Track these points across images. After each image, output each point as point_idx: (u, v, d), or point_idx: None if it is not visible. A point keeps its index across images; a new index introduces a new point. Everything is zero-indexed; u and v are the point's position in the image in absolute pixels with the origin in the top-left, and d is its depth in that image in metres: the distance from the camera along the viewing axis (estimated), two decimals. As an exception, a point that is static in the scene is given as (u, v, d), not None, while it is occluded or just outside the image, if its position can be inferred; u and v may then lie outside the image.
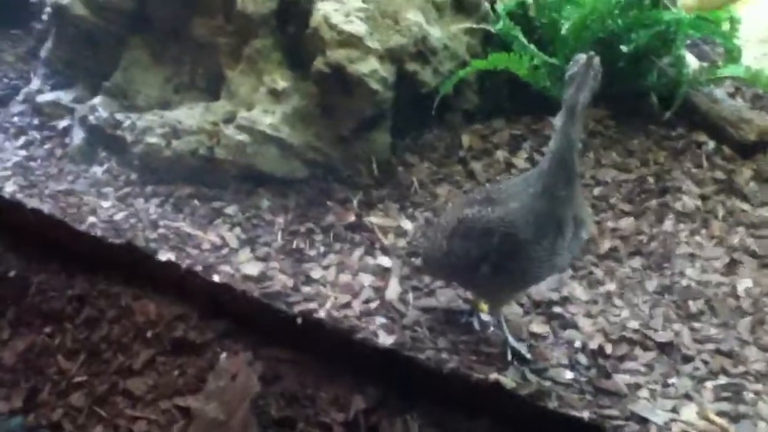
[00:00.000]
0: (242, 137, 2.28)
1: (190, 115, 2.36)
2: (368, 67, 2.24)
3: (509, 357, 1.64)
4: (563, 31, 2.35)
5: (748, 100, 2.61)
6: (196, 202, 2.27)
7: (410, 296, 1.89)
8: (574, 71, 1.48)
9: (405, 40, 2.30)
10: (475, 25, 2.46)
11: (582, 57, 1.50)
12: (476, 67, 2.38)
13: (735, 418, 1.50)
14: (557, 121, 1.51)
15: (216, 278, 1.95)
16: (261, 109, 2.32)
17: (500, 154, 2.41)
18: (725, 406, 1.52)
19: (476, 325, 1.75)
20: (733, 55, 2.40)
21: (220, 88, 2.44)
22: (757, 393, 1.56)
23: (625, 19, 2.40)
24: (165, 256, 2.01)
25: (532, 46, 2.45)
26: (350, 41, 2.24)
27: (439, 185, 2.33)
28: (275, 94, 2.32)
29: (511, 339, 1.66)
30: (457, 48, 2.44)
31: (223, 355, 1.60)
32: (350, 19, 2.27)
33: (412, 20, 2.32)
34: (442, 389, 1.52)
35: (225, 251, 2.09)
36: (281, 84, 2.32)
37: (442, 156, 2.43)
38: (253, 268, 2.00)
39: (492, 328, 1.74)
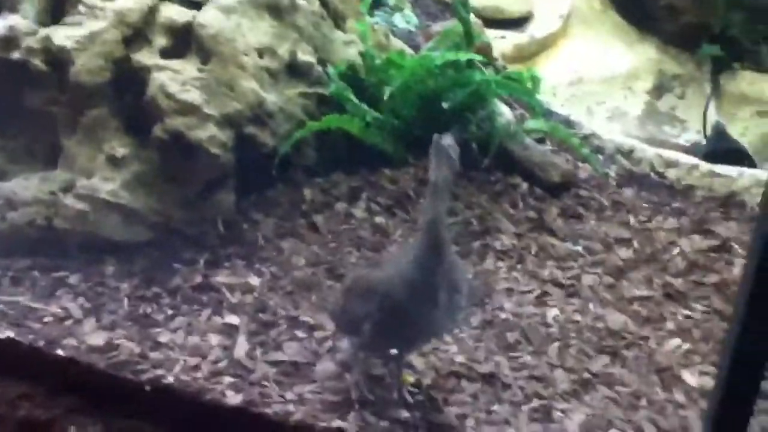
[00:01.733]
0: (82, 206, 2.29)
1: (25, 186, 2.33)
2: (206, 133, 2.33)
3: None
4: (388, 93, 2.57)
5: (554, 144, 2.97)
6: (36, 273, 2.24)
7: (258, 352, 1.98)
8: (431, 152, 1.65)
9: (241, 106, 2.42)
10: (308, 89, 2.63)
11: (436, 137, 1.68)
12: (312, 127, 2.55)
13: (545, 437, 1.73)
14: (426, 197, 1.70)
15: (60, 352, 1.94)
16: (100, 176, 2.34)
17: (340, 206, 2.58)
18: (537, 427, 1.75)
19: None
20: (536, 111, 2.74)
21: (58, 157, 2.43)
22: (563, 411, 1.81)
23: (443, 80, 2.67)
24: (4, 333, 1.98)
25: (363, 106, 2.67)
26: (187, 109, 2.33)
27: (284, 239, 2.46)
28: (115, 162, 2.35)
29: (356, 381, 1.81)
30: (293, 110, 2.60)
31: (72, 429, 1.62)
32: (186, 88, 2.36)
33: (248, 87, 2.45)
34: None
35: (69, 323, 2.08)
36: (121, 151, 2.36)
37: (285, 211, 2.56)
38: (98, 339, 2.01)
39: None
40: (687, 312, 2.14)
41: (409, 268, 1.66)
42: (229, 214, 2.46)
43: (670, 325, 2.11)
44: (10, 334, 1.98)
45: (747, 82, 4.03)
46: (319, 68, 2.69)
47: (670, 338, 2.06)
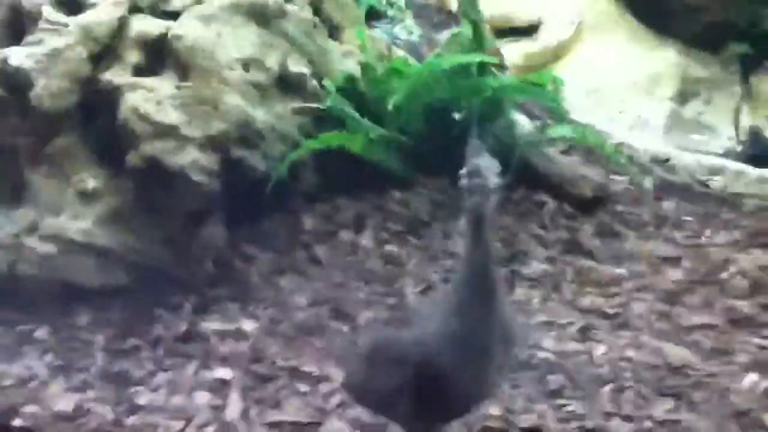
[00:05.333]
0: (48, 248, 1.99)
1: (-16, 228, 2.05)
2: (187, 157, 2.04)
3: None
4: (392, 104, 2.29)
5: (581, 155, 2.67)
6: (-3, 328, 1.94)
7: (254, 411, 1.67)
8: (466, 181, 1.30)
9: (226, 125, 2.13)
10: (302, 104, 2.35)
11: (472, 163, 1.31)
12: (309, 147, 2.26)
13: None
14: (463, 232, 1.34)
15: (19, 422, 1.64)
16: (70, 214, 2.05)
17: (345, 235, 2.28)
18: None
19: None
20: (560, 116, 2.44)
21: (21, 194, 2.15)
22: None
23: (453, 87, 2.39)
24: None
25: (365, 121, 2.38)
26: (165, 131, 2.05)
27: (283, 276, 2.15)
28: (86, 196, 2.06)
29: None
30: (286, 129, 2.31)
31: None
32: (163, 108, 2.07)
33: (233, 104, 2.16)
34: None
35: (33, 384, 1.78)
36: (92, 183, 2.07)
37: (283, 244, 2.26)
38: (66, 403, 1.70)
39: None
40: (759, 341, 1.81)
41: (454, 324, 1.30)
42: (218, 250, 2.15)
43: (741, 357, 1.78)
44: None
45: (782, 80, 3.73)
46: (314, 82, 2.41)
47: (744, 373, 1.73)
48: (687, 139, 3.79)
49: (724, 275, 2.07)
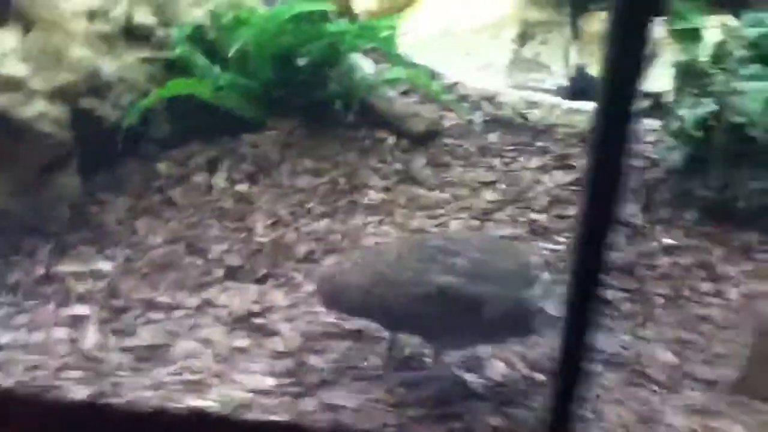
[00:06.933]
0: None
1: None
2: (35, 109, 2.12)
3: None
4: (234, 51, 2.42)
5: (420, 96, 2.91)
6: None
7: (111, 341, 1.83)
8: None
9: (73, 76, 2.21)
10: (150, 54, 2.44)
11: None
12: (158, 96, 2.37)
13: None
14: None
15: None
16: None
17: (198, 178, 2.43)
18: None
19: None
20: (394, 59, 2.66)
21: None
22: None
23: (296, 35, 2.55)
24: None
25: (214, 68, 2.51)
26: (10, 84, 2.11)
27: (138, 219, 2.29)
28: (-69, 151, 2.11)
29: None
30: (135, 79, 2.41)
31: None
32: (6, 61, 2.13)
33: (79, 55, 2.24)
34: (147, 427, 1.51)
35: None
36: (-63, 138, 2.11)
37: (138, 188, 2.39)
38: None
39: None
40: (552, 246, 2.15)
41: None
42: (74, 197, 2.26)
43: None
44: None
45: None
46: (162, 31, 2.50)
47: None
48: (528, 78, 4.14)
49: (530, 194, 2.40)
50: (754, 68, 1.99)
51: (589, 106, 2.90)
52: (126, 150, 2.37)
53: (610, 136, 0.97)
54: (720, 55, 2.12)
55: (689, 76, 2.12)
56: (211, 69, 2.51)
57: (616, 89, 0.95)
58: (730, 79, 2.03)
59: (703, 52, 2.13)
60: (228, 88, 2.52)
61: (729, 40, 2.12)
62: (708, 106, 2.09)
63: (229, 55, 2.42)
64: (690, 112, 2.13)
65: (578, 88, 3.65)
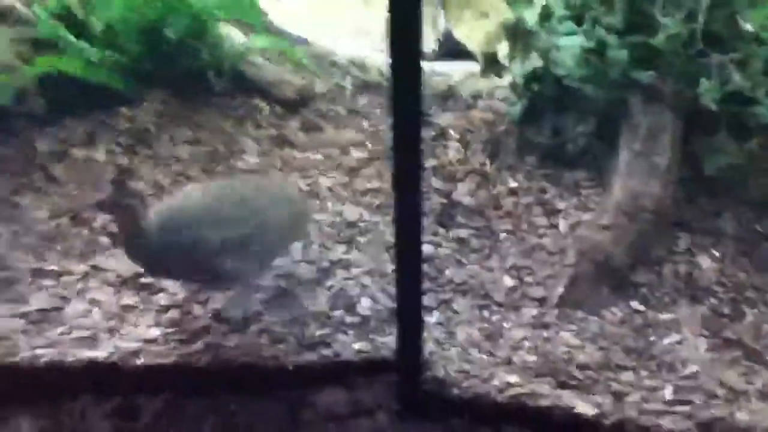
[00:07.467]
0: None
1: None
2: None
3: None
4: (101, 26, 2.51)
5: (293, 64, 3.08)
6: None
7: (3, 309, 1.95)
8: None
9: (-63, 59, 2.25)
10: (17, 35, 2.49)
11: None
12: (26, 74, 2.43)
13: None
14: None
15: None
16: None
17: (77, 152, 2.53)
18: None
19: None
20: (260, 29, 2.83)
21: None
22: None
23: (162, 8, 2.65)
24: None
25: (81, 43, 2.58)
26: None
27: (21, 196, 2.37)
28: None
29: None
30: (3, 58, 2.46)
31: None
32: None
33: (-58, 38, 2.27)
34: (44, 381, 1.68)
35: None
36: None
37: (18, 167, 2.45)
38: None
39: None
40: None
41: None
42: (-50, 178, 2.32)
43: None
44: None
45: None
46: (24, 9, 2.55)
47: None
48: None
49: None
50: (569, 26, 2.29)
51: (455, 67, 3.18)
52: (1, 129, 2.44)
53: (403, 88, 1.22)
54: (545, 15, 2.41)
55: (518, 35, 2.41)
56: (77, 44, 2.58)
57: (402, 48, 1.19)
58: (551, 37, 2.33)
59: (531, 14, 2.42)
60: (98, 63, 2.61)
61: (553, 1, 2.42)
62: (535, 61, 2.39)
63: (97, 31, 2.51)
64: (520, 67, 2.43)
65: (445, 51, 3.94)
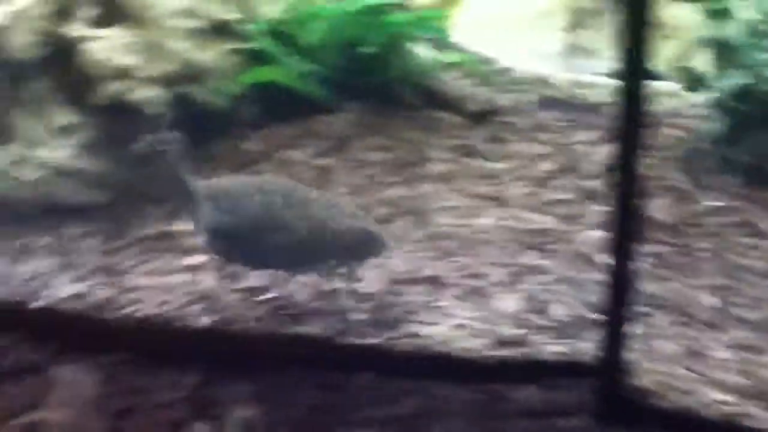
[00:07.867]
0: (37, 175, 2.43)
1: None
2: (144, 94, 2.49)
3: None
4: (310, 43, 2.75)
5: (477, 80, 3.18)
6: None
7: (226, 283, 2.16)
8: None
9: (173, 65, 2.58)
10: (237, 47, 2.79)
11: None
12: (244, 81, 2.71)
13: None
14: None
15: (37, 304, 2.09)
16: (52, 145, 2.48)
17: (282, 154, 2.76)
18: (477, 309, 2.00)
19: None
20: (446, 46, 2.95)
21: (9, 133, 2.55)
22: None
23: (362, 26, 2.86)
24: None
25: (294, 58, 2.83)
26: (123, 73, 2.49)
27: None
28: (64, 130, 2.50)
29: None
30: (225, 67, 2.76)
31: (59, 368, 1.78)
32: (118, 53, 2.51)
33: (177, 47, 2.60)
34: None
35: (45, 279, 2.24)
36: (67, 119, 2.50)
37: (232, 165, 2.72)
38: (72, 289, 2.17)
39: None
40: (600, 208, 2.38)
41: None
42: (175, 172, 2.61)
43: (589, 219, 2.35)
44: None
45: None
46: (245, 26, 2.84)
47: (587, 231, 2.32)
48: (580, 65, 4.37)
49: (583, 164, 2.65)
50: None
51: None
52: (218, 130, 2.73)
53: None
54: (754, 30, 2.33)
55: (725, 51, 2.35)
56: (291, 58, 2.84)
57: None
58: (761, 53, 2.25)
59: (733, 30, 2.35)
60: (306, 74, 2.85)
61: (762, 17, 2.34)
62: (742, 78, 2.32)
63: (310, 44, 2.75)
64: (727, 84, 2.36)
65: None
